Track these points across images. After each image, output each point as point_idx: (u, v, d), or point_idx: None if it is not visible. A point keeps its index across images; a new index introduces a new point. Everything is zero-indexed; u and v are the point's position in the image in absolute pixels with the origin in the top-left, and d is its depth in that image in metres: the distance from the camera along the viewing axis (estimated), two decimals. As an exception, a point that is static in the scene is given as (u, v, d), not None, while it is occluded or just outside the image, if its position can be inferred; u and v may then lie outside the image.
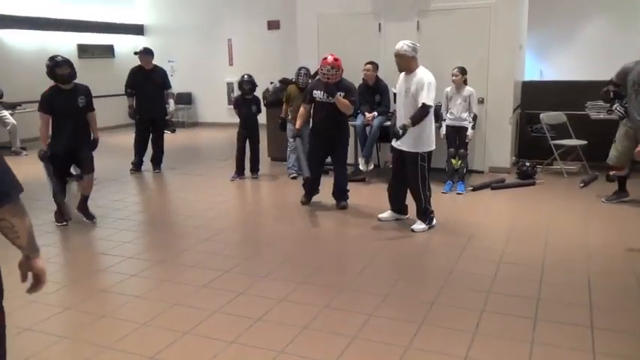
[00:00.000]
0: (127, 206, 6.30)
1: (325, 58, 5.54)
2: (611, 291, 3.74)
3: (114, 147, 9.89)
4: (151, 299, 3.76)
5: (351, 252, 4.62)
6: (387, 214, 5.39)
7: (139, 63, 7.92)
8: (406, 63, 4.88)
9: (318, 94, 5.69)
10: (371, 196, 6.34)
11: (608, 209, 5.68)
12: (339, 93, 5.57)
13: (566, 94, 7.61)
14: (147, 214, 6.24)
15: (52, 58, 5.20)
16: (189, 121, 13.76)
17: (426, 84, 4.74)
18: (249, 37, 12.83)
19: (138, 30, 13.81)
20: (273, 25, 12.23)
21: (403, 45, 4.84)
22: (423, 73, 4.84)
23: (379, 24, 7.58)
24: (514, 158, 7.72)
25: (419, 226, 5.05)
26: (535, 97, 7.89)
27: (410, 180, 5.05)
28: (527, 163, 7.01)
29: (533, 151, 7.60)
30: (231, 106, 9.84)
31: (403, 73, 5.01)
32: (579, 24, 11.74)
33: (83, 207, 5.57)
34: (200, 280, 4.02)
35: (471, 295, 3.70)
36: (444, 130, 6.67)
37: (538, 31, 12.44)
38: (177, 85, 12.87)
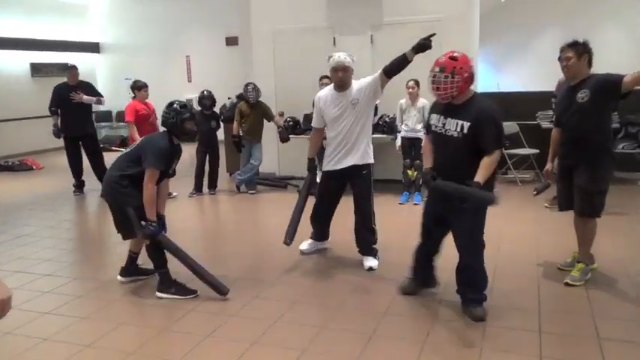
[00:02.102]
0: (72, 227, 6.17)
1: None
2: (560, 296, 3.80)
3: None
4: (98, 320, 3.63)
5: (306, 266, 4.56)
6: (308, 244, 4.84)
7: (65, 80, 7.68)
8: (350, 76, 4.26)
9: (434, 119, 3.53)
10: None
11: (561, 216, 5.78)
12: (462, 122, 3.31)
13: (518, 105, 7.80)
14: (96, 234, 6.09)
15: (182, 110, 4.03)
16: (148, 139, 13.57)
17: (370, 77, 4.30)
18: (208, 53, 12.80)
19: (93, 48, 13.62)
20: (232, 41, 12.21)
21: (346, 57, 4.24)
22: (362, 79, 4.33)
23: (334, 38, 7.65)
24: (469, 168, 7.83)
25: (375, 261, 4.44)
26: (488, 108, 8.04)
27: (362, 201, 4.45)
28: (482, 173, 7.11)
29: (487, 161, 7.72)
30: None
31: (328, 94, 4.37)
32: (533, 37, 12.14)
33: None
34: (151, 298, 3.92)
35: (424, 304, 3.70)
36: (399, 141, 6.73)
37: (494, 45, 12.80)
38: (134, 103, 12.72)
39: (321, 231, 4.84)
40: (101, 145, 12.05)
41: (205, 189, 7.49)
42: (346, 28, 7.62)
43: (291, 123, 7.51)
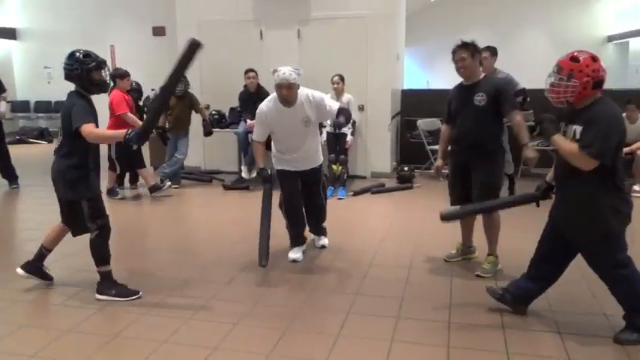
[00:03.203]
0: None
1: None
2: (470, 290, 3.90)
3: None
4: (-4, 322, 3.43)
5: (225, 263, 4.46)
6: (297, 253, 4.53)
7: None
8: (295, 93, 4.06)
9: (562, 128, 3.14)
10: (254, 205, 6.25)
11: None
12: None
13: (442, 102, 7.95)
14: (4, 230, 5.76)
15: (85, 60, 3.51)
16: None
17: (325, 98, 4.29)
18: (134, 43, 12.33)
19: (9, 34, 12.84)
20: (159, 31, 11.86)
21: (292, 73, 3.97)
22: (312, 94, 4.18)
23: (260, 31, 7.57)
24: (395, 163, 7.98)
25: (326, 240, 4.79)
26: (414, 104, 8.22)
27: (317, 199, 4.57)
28: (406, 168, 7.28)
29: (412, 156, 7.90)
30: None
31: (274, 109, 4.14)
32: (461, 37, 12.49)
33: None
34: (55, 298, 3.74)
35: (339, 298, 3.72)
36: (324, 136, 6.75)
37: (424, 44, 13.09)
38: (54, 94, 12.14)
39: (301, 232, 4.58)
40: (17, 137, 11.61)
41: (127, 183, 7.24)
42: (273, 21, 7.56)
43: (216, 116, 7.39)
